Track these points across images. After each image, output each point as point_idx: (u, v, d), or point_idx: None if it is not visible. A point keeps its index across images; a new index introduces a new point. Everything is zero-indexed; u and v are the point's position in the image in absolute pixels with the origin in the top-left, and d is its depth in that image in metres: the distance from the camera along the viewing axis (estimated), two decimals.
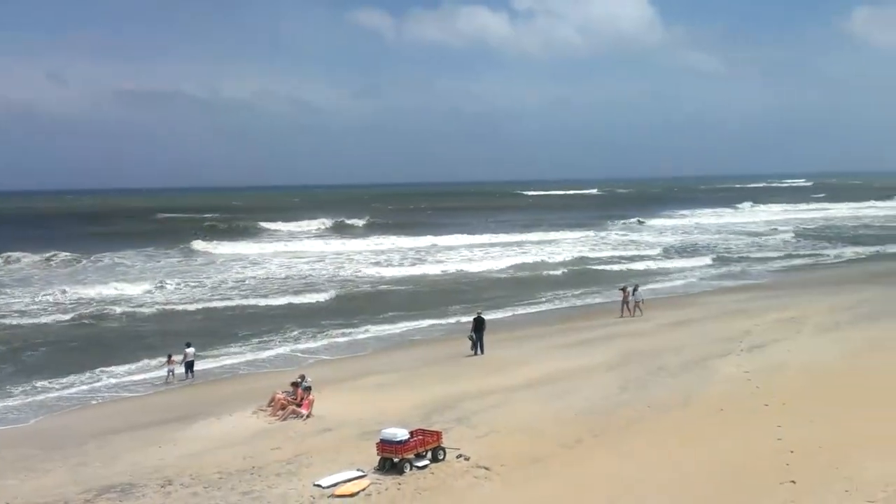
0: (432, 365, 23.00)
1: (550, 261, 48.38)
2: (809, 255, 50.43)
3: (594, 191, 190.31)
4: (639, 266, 45.77)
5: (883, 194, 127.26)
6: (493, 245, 60.17)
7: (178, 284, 41.23)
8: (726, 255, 51.45)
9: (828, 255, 50.12)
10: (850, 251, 51.84)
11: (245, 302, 36.09)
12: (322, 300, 35.99)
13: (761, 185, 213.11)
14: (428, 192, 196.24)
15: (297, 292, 38.22)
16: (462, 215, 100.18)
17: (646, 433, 14.68)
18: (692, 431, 14.56)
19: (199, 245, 59.82)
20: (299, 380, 18.08)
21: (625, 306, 29.47)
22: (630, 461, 13.21)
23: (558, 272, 43.96)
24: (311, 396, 17.48)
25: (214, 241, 62.88)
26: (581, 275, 42.68)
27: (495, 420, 16.01)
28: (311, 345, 27.47)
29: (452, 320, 30.62)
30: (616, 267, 45.70)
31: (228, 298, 37.36)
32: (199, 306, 34.88)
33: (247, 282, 42.91)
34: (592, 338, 25.20)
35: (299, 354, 26.03)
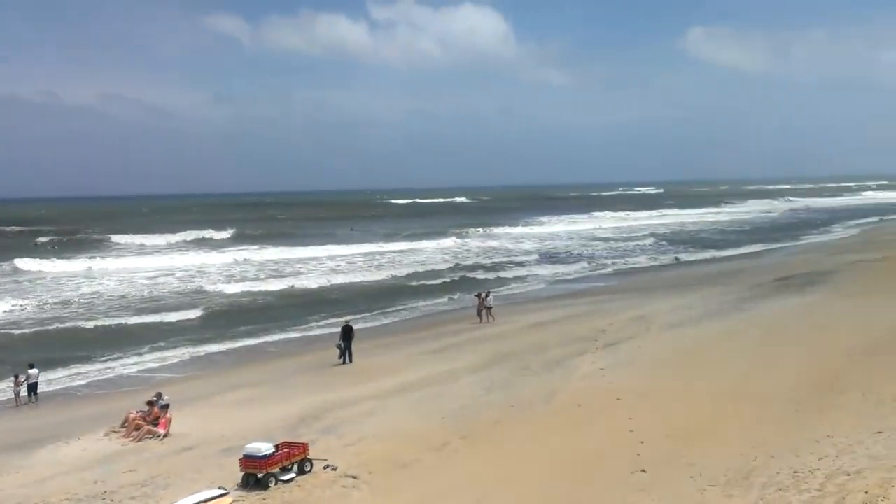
0: (299, 376, 22.59)
1: (418, 270, 48.36)
2: (659, 258, 53.59)
3: (464, 199, 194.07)
4: (507, 274, 46.91)
5: (720, 200, 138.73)
6: (356, 255, 59.01)
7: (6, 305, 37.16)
8: (584, 259, 53.77)
9: (676, 258, 53.54)
10: (702, 254, 55.52)
11: (88, 323, 33.03)
12: (189, 317, 33.80)
13: (616, 192, 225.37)
14: (290, 201, 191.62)
15: (154, 310, 35.96)
16: (326, 225, 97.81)
17: (510, 431, 15.15)
18: (553, 427, 15.17)
19: (25, 263, 52.85)
20: (155, 398, 17.18)
21: (481, 312, 29.73)
22: (495, 459, 13.59)
23: (423, 280, 44.28)
24: (168, 415, 16.65)
25: (48, 258, 56.47)
26: (446, 282, 43.09)
27: (364, 428, 15.96)
28: (167, 362, 26.21)
29: (317, 332, 30.24)
30: (482, 275, 46.61)
31: (65, 319, 34.27)
32: (31, 330, 31.83)
33: (89, 300, 39.82)
34: (459, 342, 25.66)
35: (150, 374, 24.79)
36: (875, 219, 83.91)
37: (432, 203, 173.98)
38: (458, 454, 14.08)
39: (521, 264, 50.93)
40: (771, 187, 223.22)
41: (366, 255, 59.50)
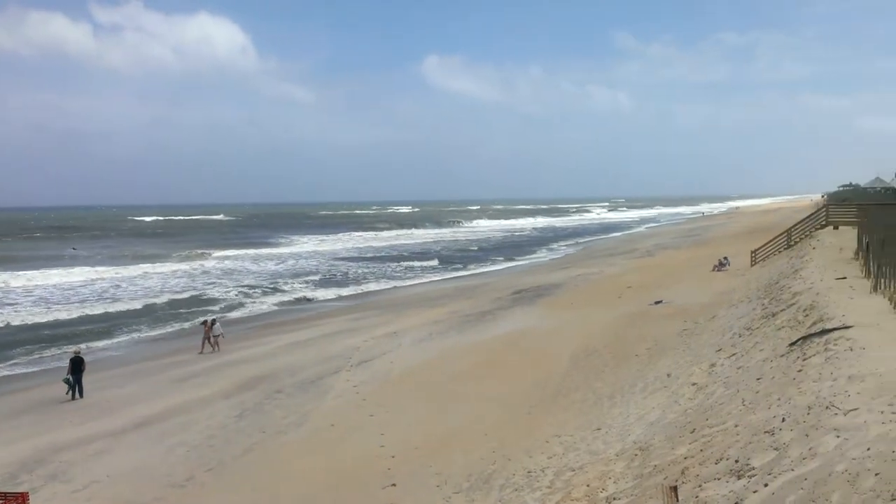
0: (19, 417, 19.93)
1: (151, 297, 44.18)
2: (407, 277, 55.45)
3: (222, 216, 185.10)
4: (254, 301, 45.48)
5: (471, 218, 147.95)
6: (74, 281, 51.31)
7: None
8: (334, 279, 53.63)
9: (424, 275, 55.89)
10: (450, 273, 58.60)
11: None
12: None
13: (371, 210, 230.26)
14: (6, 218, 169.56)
15: None
16: (41, 247, 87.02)
17: (262, 459, 14.74)
18: (306, 450, 15.04)
19: None
20: None
21: (206, 341, 27.73)
22: (244, 490, 13.13)
23: (165, 301, 41.57)
24: None
25: None
26: (180, 306, 40.55)
27: (97, 470, 14.55)
28: None
29: (41, 366, 26.96)
30: (223, 294, 44.84)
31: None
32: None
33: None
34: (207, 368, 24.42)
35: None
36: (598, 237, 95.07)
37: (185, 220, 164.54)
38: (203, 489, 13.37)
39: (274, 287, 48.97)
40: (516, 207, 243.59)
41: (89, 280, 51.44)
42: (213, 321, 28.91)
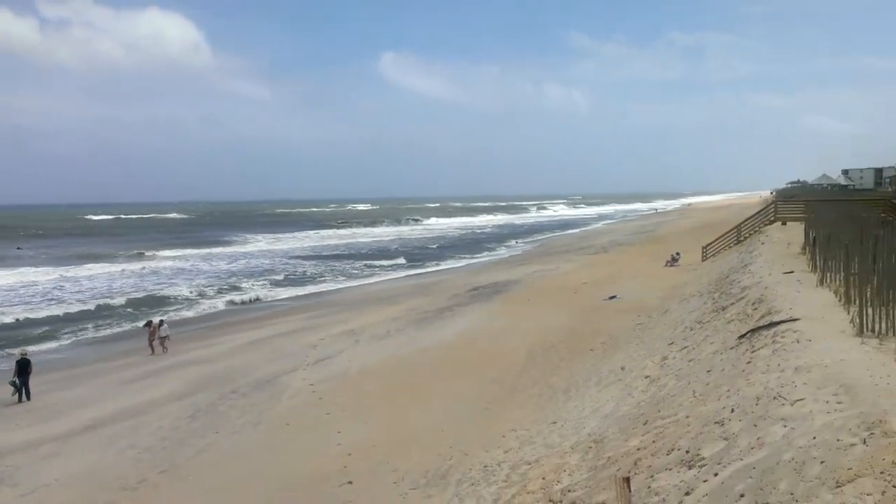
0: None
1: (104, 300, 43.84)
2: (365, 275, 55.24)
3: (175, 214, 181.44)
4: (206, 300, 44.85)
5: (430, 215, 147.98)
6: (17, 282, 49.51)
7: None
8: (289, 278, 53.01)
9: (382, 272, 55.76)
10: (412, 269, 58.50)
11: None
12: None
13: (329, 208, 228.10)
14: None
15: None
16: None
17: (216, 460, 14.52)
18: (261, 450, 14.86)
19: None
20: None
21: (154, 343, 26.99)
22: (198, 491, 12.93)
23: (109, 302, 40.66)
24: None
25: None
26: (129, 306, 39.53)
27: (45, 474, 14.17)
28: None
29: None
30: (174, 293, 44.06)
31: None
32: None
33: None
34: (160, 368, 23.96)
35: None
36: (555, 234, 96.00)
37: (136, 219, 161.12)
38: (156, 490, 13.12)
39: (226, 287, 48.38)
40: (474, 204, 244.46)
41: (29, 283, 49.30)
42: (161, 322, 28.14)
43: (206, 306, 40.00)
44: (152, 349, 26.95)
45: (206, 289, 45.71)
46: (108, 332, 33.08)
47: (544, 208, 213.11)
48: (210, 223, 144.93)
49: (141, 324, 31.41)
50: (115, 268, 58.89)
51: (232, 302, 41.38)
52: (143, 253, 72.29)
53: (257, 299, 42.41)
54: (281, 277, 51.92)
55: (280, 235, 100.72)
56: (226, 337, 29.40)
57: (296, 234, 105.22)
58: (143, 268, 59.24)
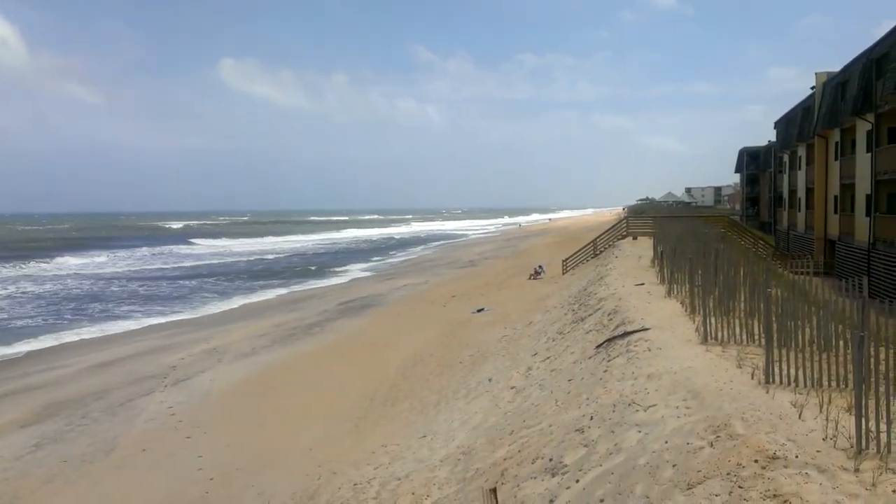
0: None
1: None
2: (227, 293, 53.38)
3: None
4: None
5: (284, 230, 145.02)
6: None
7: None
8: (148, 296, 50.80)
9: (245, 290, 54.01)
10: (270, 285, 56.94)
11: None
12: None
13: (180, 224, 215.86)
14: None
15: None
16: None
17: (63, 489, 13.50)
18: (114, 479, 13.95)
19: None
20: None
21: None
22: None
23: None
24: None
25: None
26: None
27: None
28: None
29: None
30: None
31: None
32: None
33: None
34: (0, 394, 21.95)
35: None
36: (421, 247, 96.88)
37: None
38: None
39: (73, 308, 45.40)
40: (335, 218, 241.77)
41: None
42: None
43: (41, 327, 37.10)
44: None
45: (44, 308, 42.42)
46: None
47: (409, 223, 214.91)
48: (33, 239, 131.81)
49: None
50: None
51: (79, 320, 38.68)
52: None
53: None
54: (125, 298, 49.14)
55: (119, 252, 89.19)
56: (74, 359, 27.38)
57: (143, 250, 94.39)
58: None
